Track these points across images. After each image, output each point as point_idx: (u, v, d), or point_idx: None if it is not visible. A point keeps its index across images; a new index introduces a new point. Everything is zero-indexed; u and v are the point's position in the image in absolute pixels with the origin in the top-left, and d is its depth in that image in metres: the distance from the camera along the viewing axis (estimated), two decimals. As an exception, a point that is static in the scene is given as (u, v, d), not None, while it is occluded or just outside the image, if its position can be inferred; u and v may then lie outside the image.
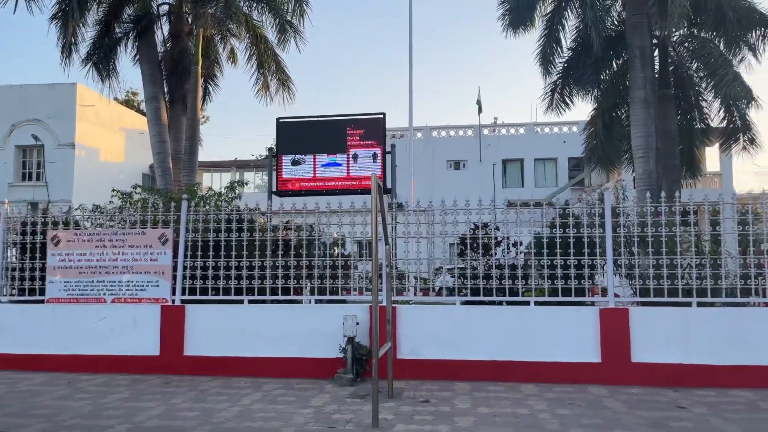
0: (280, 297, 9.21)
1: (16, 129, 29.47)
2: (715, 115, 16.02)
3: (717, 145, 17.69)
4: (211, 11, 14.97)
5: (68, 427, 6.03)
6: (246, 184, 11.35)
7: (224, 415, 6.50)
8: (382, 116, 10.53)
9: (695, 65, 15.67)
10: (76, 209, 10.19)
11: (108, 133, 31.51)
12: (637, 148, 13.67)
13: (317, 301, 9.20)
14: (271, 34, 16.44)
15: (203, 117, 28.67)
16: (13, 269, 9.78)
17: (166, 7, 16.72)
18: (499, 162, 33.33)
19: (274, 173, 11.03)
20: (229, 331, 9.03)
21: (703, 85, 15.67)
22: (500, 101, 78.34)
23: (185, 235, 9.33)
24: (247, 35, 16.59)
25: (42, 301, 9.53)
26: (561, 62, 15.97)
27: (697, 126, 16.42)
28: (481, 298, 8.88)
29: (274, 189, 11.26)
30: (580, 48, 15.46)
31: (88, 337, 9.25)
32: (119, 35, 16.52)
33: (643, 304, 8.59)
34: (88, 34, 15.64)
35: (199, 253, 9.25)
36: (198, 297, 9.24)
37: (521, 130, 34.42)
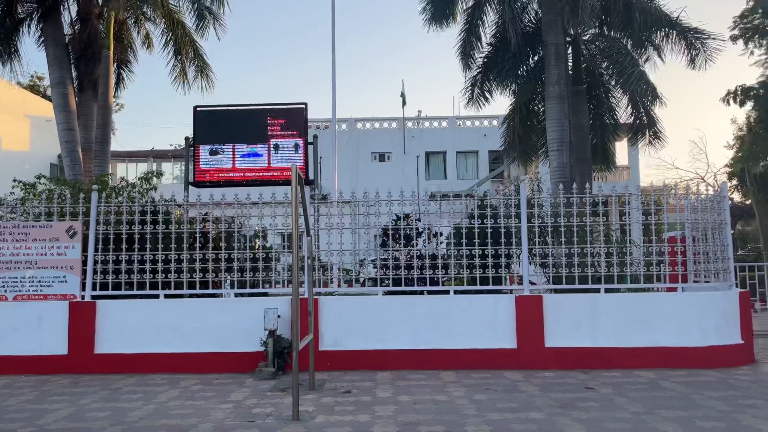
0: (198, 291, 8.96)
1: None
2: (623, 111, 16.93)
3: (626, 139, 18.69)
4: (123, -7, 14.27)
5: (-37, 433, 5.63)
6: (162, 174, 10.92)
7: (138, 413, 6.26)
8: (303, 106, 10.41)
9: (605, 63, 16.45)
10: (-28, 201, 9.48)
11: (11, 120, 29.44)
12: (552, 141, 14.22)
13: (238, 295, 9.02)
14: (189, 20, 15.90)
15: (117, 105, 27.32)
16: None
17: (73, -13, 15.78)
18: (422, 154, 33.78)
19: (191, 163, 10.69)
20: (144, 327, 8.70)
21: (613, 83, 16.51)
22: (424, 94, 79.36)
23: (96, 227, 8.89)
24: (164, 20, 15.93)
25: (-66, 300, 8.82)
26: (481, 57, 16.37)
27: (608, 121, 17.27)
28: (403, 288, 9.00)
29: (191, 180, 10.91)
30: (498, 43, 15.89)
31: (-13, 337, 8.66)
32: (22, 15, 15.46)
33: (557, 291, 8.96)
34: (-14, 13, 14.54)
35: (111, 246, 8.85)
36: (110, 292, 8.84)
37: (444, 124, 35.01)
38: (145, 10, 15.74)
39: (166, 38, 16.29)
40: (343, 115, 34.88)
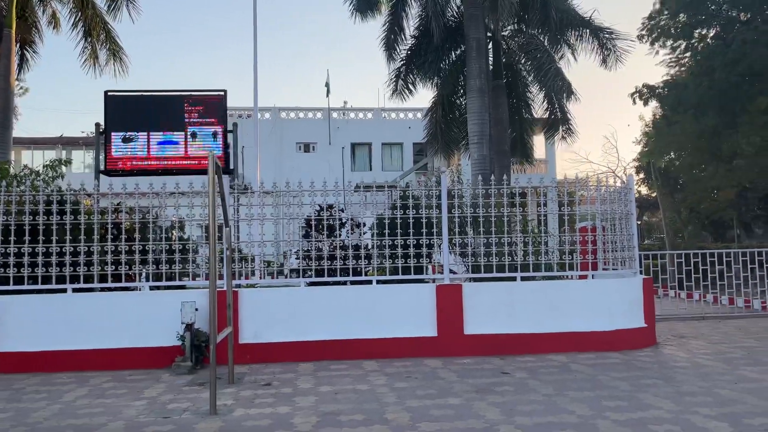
0: (110, 284, 8.56)
1: None
2: (540, 106, 17.54)
3: (542, 133, 19.39)
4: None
5: None
6: (70, 162, 10.31)
7: (42, 414, 5.92)
8: (223, 93, 10.11)
9: (524, 59, 16.97)
10: None
11: None
12: (472, 134, 14.55)
13: (154, 288, 8.70)
14: (100, 0, 15.08)
15: (20, 88, 25.57)
16: None
17: (-32, -40, 14.60)
18: (348, 145, 33.77)
19: (102, 151, 10.13)
20: (51, 324, 8.23)
21: (531, 78, 17.07)
22: (350, 86, 79.21)
23: (-5, 218, 8.31)
24: (72, -1, 15.05)
25: None
26: (405, 49, 16.50)
27: (525, 116, 17.86)
28: (326, 278, 8.96)
29: (102, 168, 10.37)
30: (422, 36, 16.06)
31: None
32: None
33: (475, 279, 9.20)
34: None
35: (13, 238, 8.29)
36: (12, 287, 8.29)
37: (369, 115, 35.11)
38: (51, -14, 14.80)
39: (75, 18, 15.40)
40: (267, 104, 34.32)
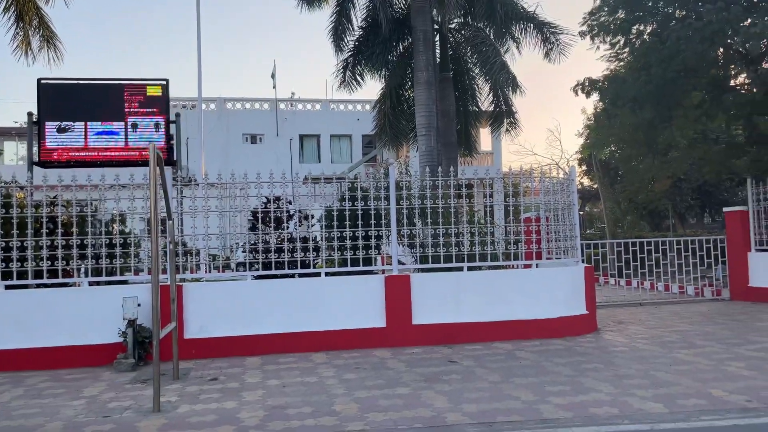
0: (46, 280, 8.22)
1: None
2: (486, 98, 17.78)
3: (488, 126, 19.67)
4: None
5: None
6: (1, 153, 9.80)
7: (-27, 418, 5.64)
8: (165, 82, 9.81)
9: (470, 52, 17.15)
10: None
11: None
12: (420, 126, 14.63)
13: (93, 284, 8.40)
14: (33, -18, 14.32)
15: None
16: None
17: None
18: (296, 137, 33.39)
19: (35, 142, 9.65)
20: (-19, 323, 7.84)
21: (477, 71, 17.27)
22: (298, 76, 78.24)
23: None
24: (1, -20, 14.24)
25: None
26: (353, 40, 16.41)
27: (471, 108, 18.07)
28: (274, 272, 8.86)
29: (36, 159, 9.90)
30: (370, 28, 16.02)
31: None
32: None
33: (424, 270, 9.28)
34: None
35: (-62, 233, 7.85)
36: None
37: (317, 106, 34.80)
38: (-22, -33, 13.95)
39: (7, 2, 14.60)
40: (213, 94, 33.55)
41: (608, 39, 16.99)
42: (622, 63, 18.60)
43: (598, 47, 17.42)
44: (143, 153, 9.42)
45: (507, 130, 17.95)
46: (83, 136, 9.45)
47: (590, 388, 6.00)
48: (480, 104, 18.12)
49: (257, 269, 8.83)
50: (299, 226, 9.30)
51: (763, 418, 4.94)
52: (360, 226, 8.97)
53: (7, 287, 8.05)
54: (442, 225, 9.13)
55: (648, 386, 5.99)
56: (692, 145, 20.77)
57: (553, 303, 9.23)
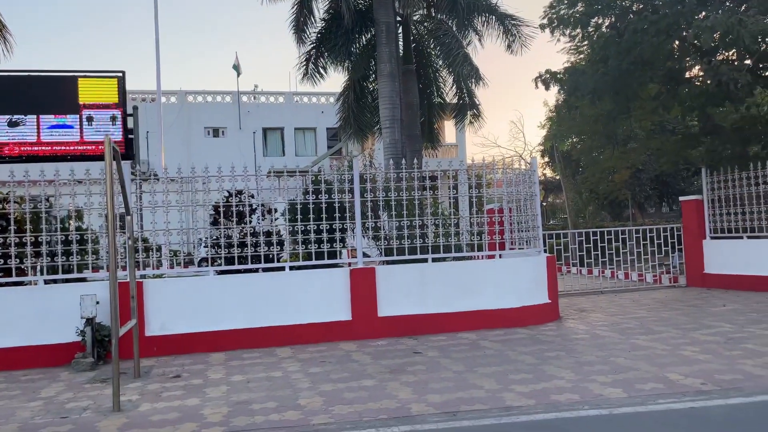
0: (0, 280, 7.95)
1: None
2: (449, 90, 17.82)
3: (452, 118, 19.74)
4: None
5: None
6: (-51, 148, 9.37)
7: None
8: (121, 74, 9.53)
9: (433, 44, 17.15)
10: None
11: None
12: (384, 119, 14.61)
13: (49, 282, 8.16)
14: (-20, -29, 13.80)
15: None
16: None
17: None
18: (259, 130, 32.99)
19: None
20: (-70, 325, 7.55)
21: (440, 63, 17.29)
22: (260, 68, 77.21)
23: None
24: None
25: None
26: (315, 32, 16.22)
27: (435, 101, 18.10)
28: (237, 266, 8.75)
29: (-14, 155, 9.51)
30: (332, 19, 15.86)
31: None
32: None
33: (389, 262, 9.29)
34: None
35: None
36: None
37: (281, 99, 34.42)
38: None
39: (-49, -10, 14.01)
40: (173, 87, 32.89)
41: (567, 32, 17.20)
42: (581, 55, 18.88)
43: (558, 40, 17.63)
44: (99, 147, 9.14)
45: (470, 122, 18.04)
46: (36, 130, 9.12)
47: (552, 375, 6.11)
48: (444, 96, 18.15)
49: (220, 264, 8.72)
50: (262, 219, 9.20)
51: (717, 400, 5.10)
52: (324, 219, 8.92)
53: (-42, 287, 7.77)
54: (407, 217, 9.15)
55: (608, 372, 6.12)
56: (650, 136, 21.25)
57: (516, 293, 9.36)
